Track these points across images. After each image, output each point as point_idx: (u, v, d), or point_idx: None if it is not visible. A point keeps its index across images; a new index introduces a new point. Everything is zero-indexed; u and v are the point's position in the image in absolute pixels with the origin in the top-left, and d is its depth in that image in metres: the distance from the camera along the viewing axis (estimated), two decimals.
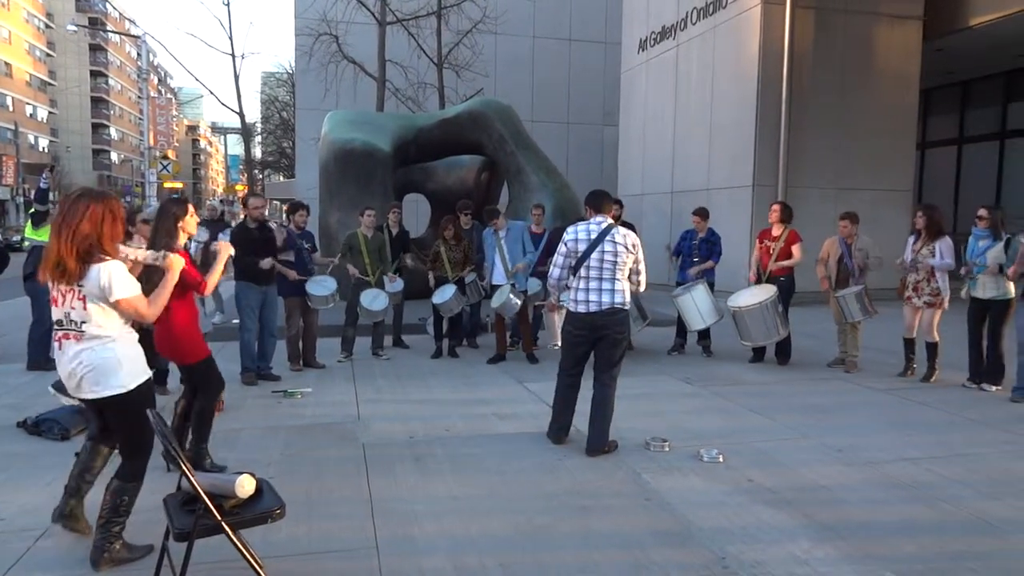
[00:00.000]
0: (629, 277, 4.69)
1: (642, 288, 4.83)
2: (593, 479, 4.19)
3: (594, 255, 4.54)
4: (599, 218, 4.69)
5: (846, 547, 3.31)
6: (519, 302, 7.28)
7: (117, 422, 3.20)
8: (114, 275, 3.03)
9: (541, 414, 5.52)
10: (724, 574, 3.08)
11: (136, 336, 3.23)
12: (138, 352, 3.18)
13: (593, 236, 4.59)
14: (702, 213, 7.99)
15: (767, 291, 7.11)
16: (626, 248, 4.57)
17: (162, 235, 4.00)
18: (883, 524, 3.57)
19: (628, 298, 4.66)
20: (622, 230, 4.67)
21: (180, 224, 4.04)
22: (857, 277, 7.01)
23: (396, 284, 7.85)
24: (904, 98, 12.81)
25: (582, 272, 4.58)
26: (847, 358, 7.21)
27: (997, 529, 3.52)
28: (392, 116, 13.57)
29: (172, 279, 3.39)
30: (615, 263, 4.54)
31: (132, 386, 3.10)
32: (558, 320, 6.22)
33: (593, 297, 4.56)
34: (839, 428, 5.22)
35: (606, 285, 4.55)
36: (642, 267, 4.72)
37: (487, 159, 12.64)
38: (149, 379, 3.21)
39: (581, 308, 4.60)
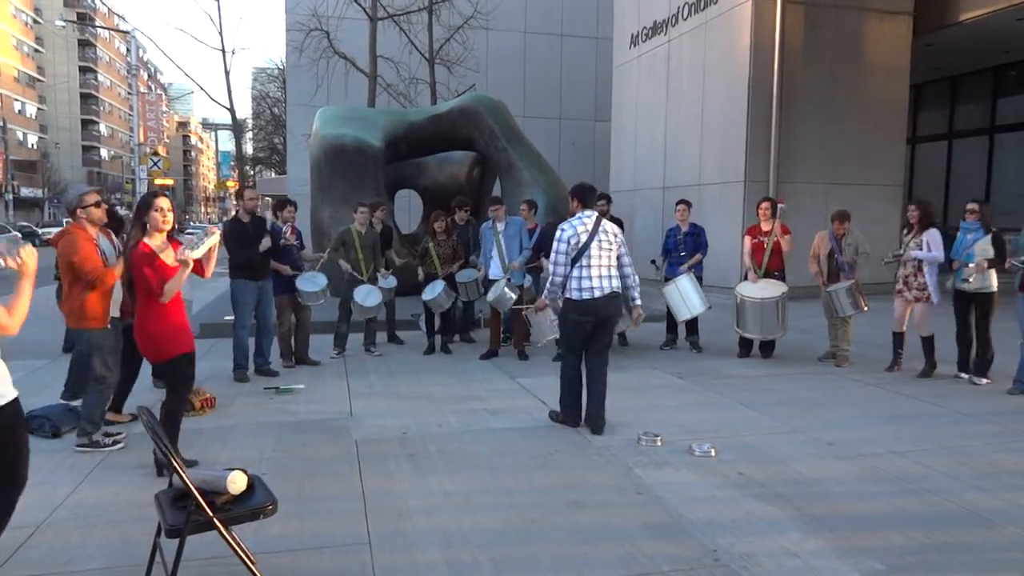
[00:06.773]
0: (620, 264, 5.09)
1: (631, 270, 5.23)
2: (585, 473, 4.21)
3: (593, 245, 4.88)
4: (588, 212, 5.02)
5: (836, 539, 3.34)
6: (514, 296, 7.28)
7: None
8: None
9: (533, 409, 5.54)
10: (715, 567, 3.10)
11: None
12: None
13: (590, 227, 4.92)
14: (687, 203, 8.06)
15: (778, 287, 7.16)
16: (615, 237, 5.00)
17: (134, 226, 4.04)
18: (873, 516, 3.60)
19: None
20: (606, 221, 5.06)
21: (145, 217, 4.00)
22: (848, 272, 7.06)
23: (390, 280, 7.84)
24: (894, 93, 12.86)
25: (583, 261, 4.88)
26: (838, 352, 7.25)
27: (986, 520, 3.55)
28: (383, 112, 13.53)
29: (27, 288, 2.64)
30: (611, 252, 4.94)
31: None
32: (544, 318, 6.25)
33: (596, 284, 4.88)
34: (829, 422, 5.26)
35: (605, 272, 4.92)
36: (628, 257, 5.13)
37: (479, 155, 12.63)
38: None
39: (586, 295, 4.88)
